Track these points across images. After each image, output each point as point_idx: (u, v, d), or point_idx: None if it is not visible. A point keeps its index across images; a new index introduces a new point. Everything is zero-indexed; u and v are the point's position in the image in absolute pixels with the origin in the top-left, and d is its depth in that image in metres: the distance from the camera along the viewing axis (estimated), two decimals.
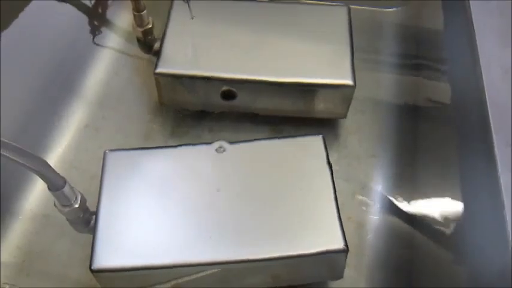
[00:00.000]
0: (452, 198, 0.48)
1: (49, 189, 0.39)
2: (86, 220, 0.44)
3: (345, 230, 0.44)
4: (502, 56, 0.46)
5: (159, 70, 0.56)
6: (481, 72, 0.45)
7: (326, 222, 0.44)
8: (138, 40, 0.67)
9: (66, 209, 0.42)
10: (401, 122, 0.62)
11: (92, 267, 0.42)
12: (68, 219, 0.44)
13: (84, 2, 0.73)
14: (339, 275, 0.47)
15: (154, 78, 0.57)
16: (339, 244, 0.43)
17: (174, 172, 0.48)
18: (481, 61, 0.46)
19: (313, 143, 0.50)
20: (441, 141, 0.55)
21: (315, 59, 0.57)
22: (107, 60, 0.69)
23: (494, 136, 0.41)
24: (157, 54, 0.58)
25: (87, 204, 0.44)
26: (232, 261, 0.42)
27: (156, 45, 0.61)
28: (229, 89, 0.56)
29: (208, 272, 0.43)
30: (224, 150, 0.49)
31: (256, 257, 0.43)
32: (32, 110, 0.61)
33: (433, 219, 0.52)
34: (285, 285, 0.46)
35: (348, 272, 0.48)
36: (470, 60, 0.48)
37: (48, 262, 0.52)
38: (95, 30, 0.72)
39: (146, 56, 0.67)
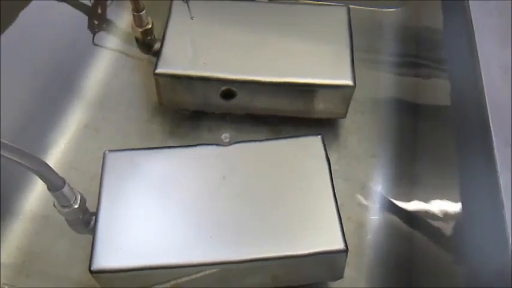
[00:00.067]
0: (452, 198, 0.48)
1: (49, 189, 0.39)
2: (85, 221, 0.44)
3: (344, 230, 0.44)
4: (502, 56, 0.46)
5: (158, 70, 0.56)
6: (480, 72, 0.45)
7: (326, 222, 0.44)
8: (138, 40, 0.67)
9: (66, 210, 0.42)
10: (400, 122, 0.63)
11: (92, 268, 0.42)
12: (67, 220, 0.44)
13: (83, 2, 0.73)
14: (339, 275, 0.47)
15: (153, 78, 0.57)
16: (339, 244, 0.43)
17: (174, 172, 0.48)
18: (480, 61, 0.46)
19: (313, 143, 0.50)
20: (440, 141, 0.55)
21: (314, 59, 0.57)
22: (107, 61, 0.69)
23: (493, 136, 0.41)
24: (157, 54, 0.58)
25: (87, 204, 0.44)
26: (232, 262, 0.42)
27: (156, 46, 0.61)
28: (229, 89, 0.56)
29: (208, 272, 0.43)
30: (228, 141, 0.49)
31: (256, 257, 0.43)
32: (32, 110, 0.61)
33: (433, 219, 0.52)
34: (284, 285, 0.46)
35: (347, 272, 0.48)
36: (470, 60, 0.48)
37: (48, 263, 0.52)
38: (94, 31, 0.72)
39: (146, 56, 0.67)
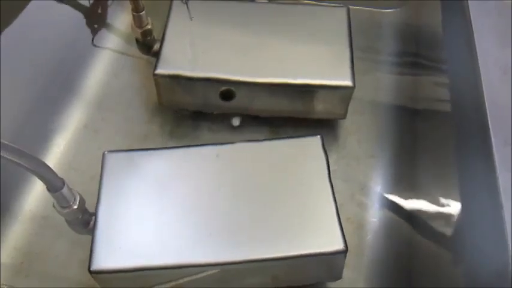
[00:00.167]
0: (451, 198, 0.48)
1: (48, 190, 0.39)
2: (84, 221, 0.44)
3: (344, 231, 0.44)
4: (501, 56, 0.46)
5: (158, 71, 0.56)
6: (479, 73, 0.45)
7: (325, 222, 0.44)
8: (137, 41, 0.67)
9: (65, 210, 0.42)
10: (400, 123, 0.63)
11: (91, 269, 0.42)
12: (66, 221, 0.44)
13: (83, 2, 0.73)
14: (337, 276, 0.47)
15: (153, 79, 0.57)
16: (338, 245, 0.43)
17: (173, 173, 0.48)
18: (479, 61, 0.46)
19: (312, 144, 0.50)
20: (440, 142, 0.55)
21: (314, 60, 0.57)
22: (106, 61, 0.69)
23: (492, 136, 0.41)
24: (157, 55, 0.58)
25: (86, 205, 0.44)
26: (232, 262, 0.42)
27: (156, 46, 0.61)
28: (228, 89, 0.56)
29: (208, 272, 0.43)
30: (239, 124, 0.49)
31: (255, 258, 0.43)
32: (31, 110, 0.61)
33: (432, 220, 0.52)
34: (284, 285, 0.46)
35: (347, 272, 0.48)
36: (469, 61, 0.48)
37: (47, 263, 0.52)
38: (94, 31, 0.72)
39: (145, 56, 0.67)
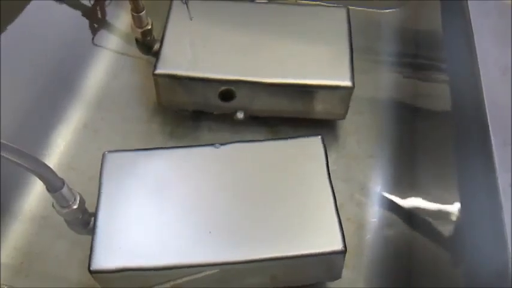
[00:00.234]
0: (451, 198, 0.48)
1: (48, 190, 0.39)
2: (84, 221, 0.44)
3: (344, 231, 0.44)
4: (500, 56, 0.46)
5: (158, 71, 0.56)
6: (479, 73, 0.45)
7: (325, 223, 0.44)
8: (137, 41, 0.67)
9: (65, 210, 0.42)
10: (399, 123, 0.63)
11: (91, 268, 0.42)
12: (66, 221, 0.44)
13: (83, 2, 0.73)
14: (337, 276, 0.47)
15: (153, 79, 0.57)
16: (337, 245, 0.43)
17: (173, 173, 0.48)
18: (479, 61, 0.46)
19: (312, 144, 0.50)
20: (439, 142, 0.55)
21: (313, 60, 0.57)
22: (106, 61, 0.69)
23: (492, 136, 0.41)
24: (156, 55, 0.58)
25: (86, 205, 0.44)
26: (231, 262, 0.42)
27: (155, 46, 0.61)
28: (228, 89, 0.56)
29: (207, 272, 0.43)
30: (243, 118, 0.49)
31: (255, 258, 0.43)
32: (31, 110, 0.61)
33: (432, 220, 0.52)
34: (283, 285, 0.47)
35: (346, 272, 0.48)
36: (469, 61, 0.48)
37: (47, 263, 0.52)
38: (94, 31, 0.72)
39: (145, 56, 0.67)
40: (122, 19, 0.73)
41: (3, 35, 0.60)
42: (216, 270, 0.43)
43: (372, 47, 0.71)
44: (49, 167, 0.38)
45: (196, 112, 0.62)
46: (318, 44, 0.58)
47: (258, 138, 0.51)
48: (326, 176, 0.47)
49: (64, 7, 0.71)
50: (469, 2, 0.52)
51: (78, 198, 0.42)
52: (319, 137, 0.50)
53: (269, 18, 0.61)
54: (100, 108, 0.64)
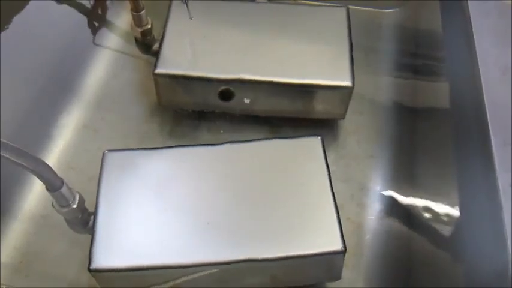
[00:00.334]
0: (450, 198, 0.48)
1: (47, 189, 0.39)
2: (84, 220, 0.44)
3: (343, 231, 0.44)
4: (500, 56, 0.46)
5: (158, 70, 0.56)
6: (479, 73, 0.45)
7: (324, 223, 0.44)
8: (137, 40, 0.67)
9: (64, 210, 0.42)
10: (399, 123, 0.63)
11: (90, 268, 0.42)
12: (66, 220, 0.44)
13: (83, 2, 0.73)
14: (337, 276, 0.47)
15: (153, 78, 0.57)
16: (336, 245, 0.43)
17: (173, 173, 0.48)
18: (479, 61, 0.46)
19: (312, 144, 0.50)
20: (439, 142, 0.55)
21: (313, 60, 0.57)
22: (106, 61, 0.69)
23: (492, 136, 0.41)
24: (156, 54, 0.58)
25: (86, 204, 0.44)
26: (231, 262, 0.42)
27: (155, 46, 0.61)
28: (228, 89, 0.56)
29: (207, 272, 0.43)
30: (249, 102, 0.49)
31: (254, 258, 0.43)
32: (30, 110, 0.60)
33: (431, 220, 0.52)
34: (283, 285, 0.46)
35: (346, 272, 0.48)
36: (469, 61, 0.48)
37: (46, 262, 0.52)
38: (93, 30, 0.72)
39: (145, 56, 0.67)
40: (121, 18, 0.73)
41: (3, 34, 0.60)
42: (215, 270, 0.43)
43: (372, 46, 0.71)
44: (49, 167, 0.38)
45: (196, 112, 0.62)
46: (318, 44, 0.58)
47: (258, 138, 0.51)
48: (326, 176, 0.47)
49: (64, 6, 0.71)
50: (469, 2, 0.52)
51: (77, 198, 0.42)
52: (319, 137, 0.50)
53: (269, 18, 0.61)
54: (100, 107, 0.64)
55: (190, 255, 0.43)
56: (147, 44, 0.66)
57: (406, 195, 0.56)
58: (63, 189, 0.40)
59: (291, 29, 0.60)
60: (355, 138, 0.61)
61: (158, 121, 0.63)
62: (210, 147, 0.50)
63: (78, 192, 0.43)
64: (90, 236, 0.44)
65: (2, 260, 0.51)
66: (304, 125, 0.60)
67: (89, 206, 0.44)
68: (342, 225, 0.44)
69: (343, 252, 0.43)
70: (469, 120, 0.47)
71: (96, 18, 0.73)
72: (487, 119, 0.42)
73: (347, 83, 0.55)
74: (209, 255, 0.43)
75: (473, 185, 0.43)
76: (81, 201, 0.43)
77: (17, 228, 0.54)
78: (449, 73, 0.57)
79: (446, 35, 0.60)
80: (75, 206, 0.42)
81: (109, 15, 0.74)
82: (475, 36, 0.48)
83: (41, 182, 0.38)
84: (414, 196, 0.56)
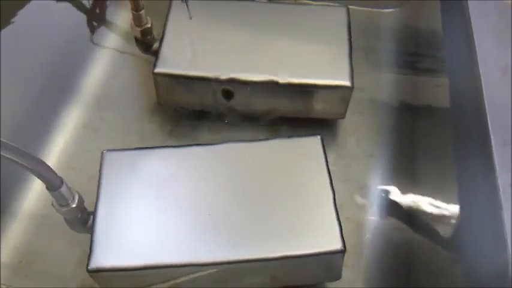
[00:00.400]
0: (450, 198, 0.48)
1: (47, 189, 0.39)
2: (83, 220, 0.44)
3: (343, 231, 0.44)
4: (500, 56, 0.46)
5: (157, 70, 0.56)
6: (479, 73, 0.45)
7: (324, 222, 0.44)
8: (137, 40, 0.67)
9: (64, 209, 0.42)
10: (399, 122, 0.63)
11: (89, 267, 0.42)
12: (65, 219, 0.44)
13: (82, 1, 0.73)
14: (337, 276, 0.47)
15: (152, 78, 0.57)
16: (336, 245, 0.43)
17: (173, 172, 0.48)
18: (479, 61, 0.46)
19: (312, 144, 0.50)
20: (439, 142, 0.55)
21: (313, 59, 0.57)
22: (105, 60, 0.69)
23: (492, 136, 0.41)
24: (156, 54, 0.58)
25: (85, 204, 0.44)
26: (230, 262, 0.42)
27: (155, 45, 0.61)
28: (228, 89, 0.56)
29: (206, 272, 0.43)
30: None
31: (254, 257, 0.43)
32: (30, 109, 0.60)
33: (431, 219, 0.52)
34: (282, 285, 0.46)
35: (346, 272, 0.48)
36: (469, 61, 0.48)
37: (46, 262, 0.52)
38: (93, 30, 0.72)
39: (145, 55, 0.67)
40: (121, 18, 0.73)
41: (3, 34, 0.60)
42: (214, 270, 0.43)
43: (372, 46, 0.71)
44: (48, 166, 0.38)
45: (195, 111, 0.61)
46: (318, 44, 0.58)
47: (258, 138, 0.51)
48: (325, 175, 0.47)
49: (64, 6, 0.71)
50: (469, 2, 0.52)
51: (77, 197, 0.42)
52: (319, 137, 0.50)
53: (269, 18, 0.61)
54: (99, 107, 0.64)
55: (190, 255, 0.43)
56: (147, 44, 0.66)
57: (406, 194, 0.56)
58: (63, 189, 0.40)
59: (290, 28, 0.60)
60: (354, 138, 0.61)
61: (158, 121, 0.63)
62: (210, 147, 0.50)
63: (78, 192, 0.43)
64: (89, 235, 0.44)
65: (2, 260, 0.51)
66: (304, 125, 0.60)
67: (88, 205, 0.44)
68: (342, 225, 0.44)
69: (342, 251, 0.43)
70: (469, 120, 0.47)
71: (96, 18, 0.73)
72: (487, 119, 0.42)
73: (347, 82, 0.55)
74: (209, 255, 0.42)
75: (473, 185, 0.43)
76: (81, 200, 0.43)
77: (17, 228, 0.54)
78: (449, 73, 0.57)
79: (446, 35, 0.60)
80: (74, 206, 0.42)
81: (109, 15, 0.74)
82: (475, 36, 0.48)
83: (40, 181, 0.38)
84: (414, 196, 0.56)
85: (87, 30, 0.72)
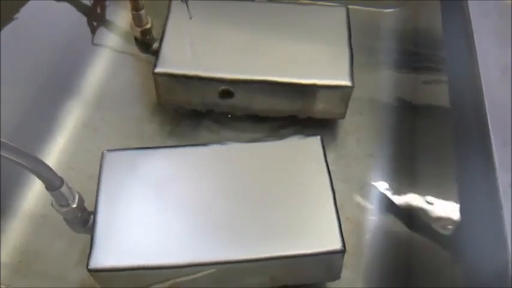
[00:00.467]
0: (450, 198, 0.48)
1: (47, 189, 0.39)
2: (83, 220, 0.44)
3: (343, 231, 0.44)
4: (500, 56, 0.46)
5: (157, 70, 0.56)
6: (479, 73, 0.45)
7: (324, 222, 0.44)
8: (137, 40, 0.67)
9: (64, 209, 0.42)
10: (399, 122, 0.63)
11: (89, 267, 0.42)
12: (65, 219, 0.44)
13: (82, 1, 0.73)
14: (336, 276, 0.47)
15: (152, 78, 0.57)
16: (336, 245, 0.43)
17: (172, 172, 0.48)
18: (479, 61, 0.46)
19: (311, 144, 0.50)
20: (439, 142, 0.55)
21: (313, 59, 0.57)
22: (105, 60, 0.69)
23: (492, 136, 0.41)
24: (156, 53, 0.58)
25: (85, 204, 0.44)
26: (230, 262, 0.42)
27: (155, 45, 0.61)
28: (227, 89, 0.56)
29: (206, 272, 0.43)
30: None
31: (254, 257, 0.43)
32: (30, 109, 0.60)
33: (431, 219, 0.52)
34: (282, 285, 0.46)
35: (345, 272, 0.48)
36: (469, 61, 0.48)
37: (46, 262, 0.52)
38: (93, 30, 0.72)
39: (145, 55, 0.67)
40: (121, 18, 0.73)
41: (2, 34, 0.60)
42: (214, 270, 0.43)
43: (372, 46, 0.71)
44: (48, 166, 0.38)
45: (195, 111, 0.61)
46: (318, 43, 0.58)
47: (258, 138, 0.51)
48: (325, 176, 0.47)
49: (63, 6, 0.71)
50: (469, 2, 0.52)
51: (77, 197, 0.42)
52: (319, 137, 0.50)
53: (269, 17, 0.61)
54: (99, 107, 0.64)
55: (190, 255, 0.43)
56: (147, 44, 0.66)
57: (406, 194, 0.56)
58: (63, 189, 0.40)
59: (290, 28, 0.60)
60: (354, 138, 0.61)
61: (158, 121, 0.63)
62: (210, 147, 0.50)
63: (78, 192, 0.43)
64: (89, 235, 0.44)
65: (1, 260, 0.51)
66: (304, 125, 0.60)
67: (88, 205, 0.44)
68: (342, 225, 0.44)
69: (342, 251, 0.43)
70: (469, 120, 0.47)
71: (96, 18, 0.73)
72: (487, 119, 0.42)
73: (347, 82, 0.55)
74: (209, 255, 0.43)
75: (473, 185, 0.43)
76: (81, 200, 0.43)
77: (17, 227, 0.54)
78: (449, 73, 0.57)
79: (446, 35, 0.60)
80: (74, 206, 0.42)
81: (108, 15, 0.74)
82: (475, 36, 0.48)
83: (40, 181, 0.38)
84: (414, 196, 0.56)
85: (87, 30, 0.72)
